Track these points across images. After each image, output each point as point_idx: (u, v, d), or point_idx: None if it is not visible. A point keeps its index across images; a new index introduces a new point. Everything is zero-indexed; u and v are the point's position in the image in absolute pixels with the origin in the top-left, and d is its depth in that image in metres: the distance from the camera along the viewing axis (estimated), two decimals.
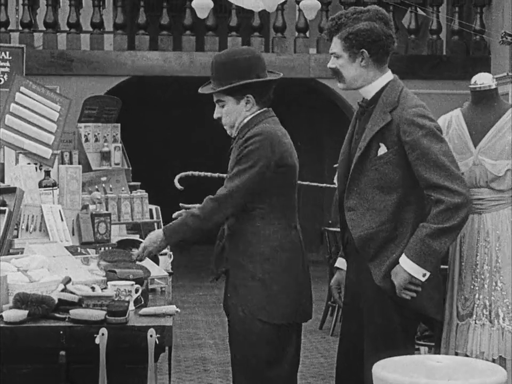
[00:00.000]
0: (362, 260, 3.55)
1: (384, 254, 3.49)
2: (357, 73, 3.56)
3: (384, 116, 3.50)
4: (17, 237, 4.03)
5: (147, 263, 3.87)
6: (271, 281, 3.60)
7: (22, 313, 3.03)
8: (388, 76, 3.60)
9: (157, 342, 2.99)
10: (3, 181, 4.66)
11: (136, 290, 3.31)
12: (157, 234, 3.67)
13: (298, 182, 3.83)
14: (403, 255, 3.44)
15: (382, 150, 3.49)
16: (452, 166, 3.43)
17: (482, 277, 4.03)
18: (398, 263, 3.44)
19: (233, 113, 3.69)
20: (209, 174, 3.22)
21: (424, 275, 3.42)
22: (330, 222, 8.72)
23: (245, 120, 3.70)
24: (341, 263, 3.81)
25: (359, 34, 3.49)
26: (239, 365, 3.67)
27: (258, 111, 3.70)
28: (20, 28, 10.76)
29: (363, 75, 3.56)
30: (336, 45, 3.56)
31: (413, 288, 3.44)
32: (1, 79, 8.28)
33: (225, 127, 3.76)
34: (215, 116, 3.75)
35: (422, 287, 3.46)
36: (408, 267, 3.41)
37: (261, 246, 3.61)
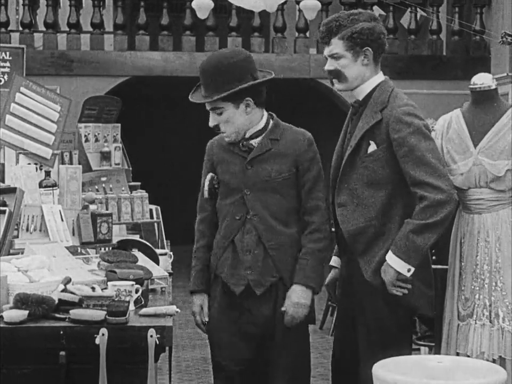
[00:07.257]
0: (353, 254, 3.61)
1: (374, 249, 3.55)
2: (358, 72, 3.61)
3: (374, 115, 3.56)
4: (17, 237, 4.03)
5: (147, 263, 3.87)
6: None
7: (22, 314, 3.03)
8: (380, 76, 3.66)
9: (157, 342, 2.98)
10: (3, 181, 4.66)
11: (136, 291, 3.31)
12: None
13: None
14: (389, 251, 3.49)
15: (372, 147, 3.56)
16: (437, 164, 3.49)
17: (482, 277, 4.03)
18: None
19: (235, 119, 3.62)
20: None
21: (409, 270, 3.46)
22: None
23: (261, 125, 3.67)
24: (335, 261, 3.86)
25: (363, 32, 3.54)
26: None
27: (267, 114, 3.71)
28: (20, 28, 10.74)
29: (362, 74, 3.62)
30: (337, 46, 3.58)
31: (403, 285, 3.49)
32: (2, 79, 8.27)
33: (225, 133, 3.66)
34: (211, 124, 3.65)
35: (413, 283, 3.50)
36: (393, 262, 3.47)
37: None
